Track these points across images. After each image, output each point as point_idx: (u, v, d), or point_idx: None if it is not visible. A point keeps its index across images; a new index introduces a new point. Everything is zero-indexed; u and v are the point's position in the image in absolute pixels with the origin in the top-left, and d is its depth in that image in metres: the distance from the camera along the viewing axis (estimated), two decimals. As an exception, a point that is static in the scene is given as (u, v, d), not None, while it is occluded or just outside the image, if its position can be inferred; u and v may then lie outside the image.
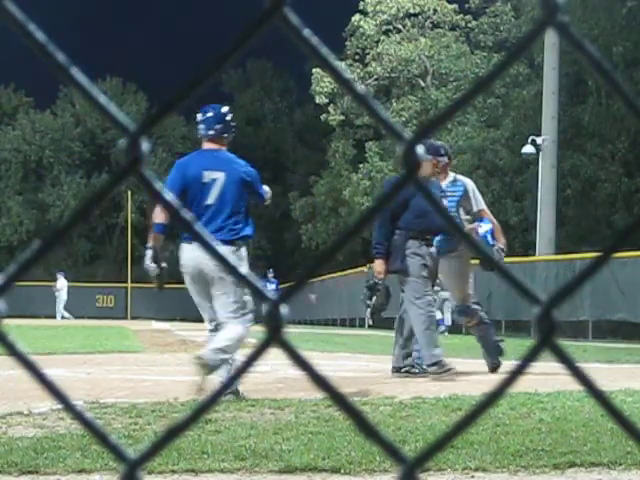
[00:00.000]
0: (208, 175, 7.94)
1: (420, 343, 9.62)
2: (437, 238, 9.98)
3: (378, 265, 9.93)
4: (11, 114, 60.09)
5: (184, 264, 8.00)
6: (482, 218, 10.35)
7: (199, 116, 8.13)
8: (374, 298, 10.24)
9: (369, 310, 10.37)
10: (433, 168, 9.85)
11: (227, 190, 7.93)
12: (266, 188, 8.37)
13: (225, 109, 8.29)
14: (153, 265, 8.06)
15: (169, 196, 0.86)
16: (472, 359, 11.07)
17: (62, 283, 46.29)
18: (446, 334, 32.57)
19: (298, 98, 62.11)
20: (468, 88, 0.88)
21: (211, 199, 7.92)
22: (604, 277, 20.85)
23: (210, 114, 8.11)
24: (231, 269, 0.87)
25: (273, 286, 40.46)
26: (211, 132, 8.07)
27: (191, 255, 7.83)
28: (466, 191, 10.39)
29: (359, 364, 12.29)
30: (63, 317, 44.91)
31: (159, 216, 7.88)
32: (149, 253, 8.11)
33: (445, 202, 10.24)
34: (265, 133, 62.74)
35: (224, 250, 0.87)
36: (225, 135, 8.15)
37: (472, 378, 9.63)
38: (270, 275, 43.56)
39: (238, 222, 8.00)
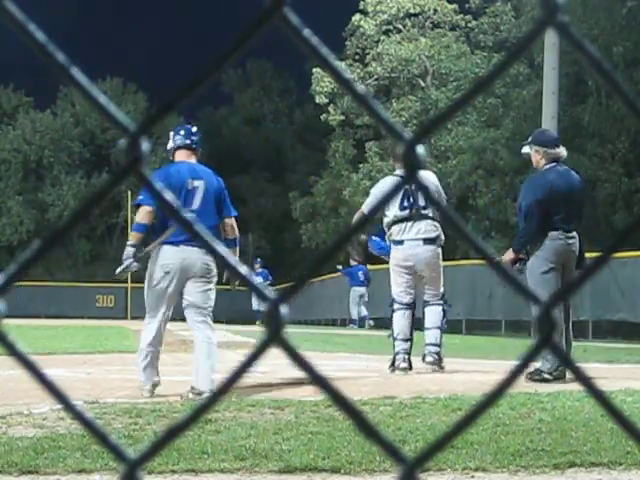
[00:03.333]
0: (191, 183, 8.56)
1: None
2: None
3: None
4: (11, 114, 60.08)
5: (166, 263, 8.45)
6: None
7: (172, 133, 9.00)
8: None
9: None
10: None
11: (208, 197, 8.58)
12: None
13: (195, 129, 9.15)
14: (130, 260, 8.60)
15: (169, 196, 0.86)
16: (472, 359, 11.07)
17: None
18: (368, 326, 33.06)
19: (298, 98, 62.07)
20: (468, 88, 0.88)
21: (195, 204, 8.51)
22: (604, 277, 20.84)
23: (182, 130, 9.00)
24: (232, 268, 0.87)
25: (260, 279, 37.06)
26: (187, 141, 8.81)
27: (178, 255, 8.40)
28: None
29: (359, 364, 12.28)
30: None
31: (143, 218, 8.53)
32: (130, 250, 8.62)
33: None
34: (265, 133, 62.71)
35: (224, 250, 0.87)
36: (196, 148, 8.88)
37: (472, 378, 9.63)
38: (257, 266, 39.05)
39: (218, 226, 8.65)
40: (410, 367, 10.31)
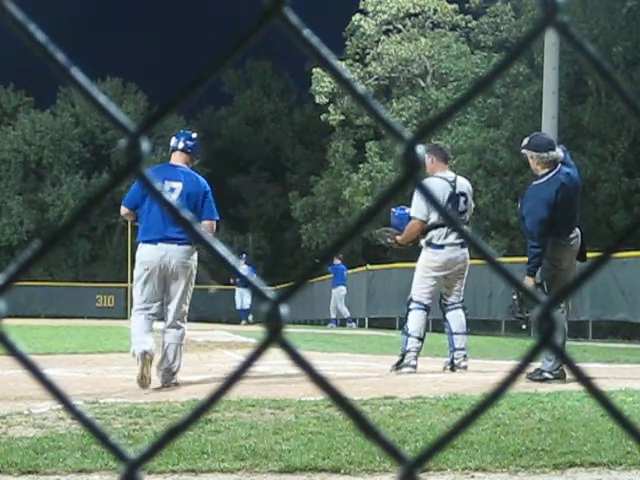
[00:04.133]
0: (168, 184, 8.93)
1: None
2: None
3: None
4: (11, 114, 60.06)
5: (146, 260, 9.09)
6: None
7: (173, 138, 9.45)
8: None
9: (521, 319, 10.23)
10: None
11: (183, 199, 8.89)
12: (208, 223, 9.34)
13: (195, 135, 9.64)
14: None
15: (169, 196, 0.86)
16: (472, 359, 11.08)
17: None
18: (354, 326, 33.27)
19: (298, 98, 62.06)
20: (468, 88, 0.88)
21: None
22: (604, 277, 20.84)
23: (182, 135, 9.52)
24: (231, 268, 0.87)
25: None
26: (181, 145, 9.29)
27: (157, 254, 8.97)
28: None
29: (359, 364, 12.28)
30: None
31: (126, 216, 9.50)
32: None
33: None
34: (265, 133, 62.68)
35: (225, 250, 0.87)
36: (190, 152, 9.31)
37: (472, 378, 9.63)
38: (241, 262, 38.40)
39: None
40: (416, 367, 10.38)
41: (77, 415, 0.87)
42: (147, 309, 9.06)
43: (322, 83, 42.22)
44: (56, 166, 58.48)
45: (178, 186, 8.99)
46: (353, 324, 34.06)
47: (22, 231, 56.37)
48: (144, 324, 8.99)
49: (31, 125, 58.76)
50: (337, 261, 33.20)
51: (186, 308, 9.11)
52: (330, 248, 0.89)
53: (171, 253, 8.92)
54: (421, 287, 10.53)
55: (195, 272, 9.17)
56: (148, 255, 9.03)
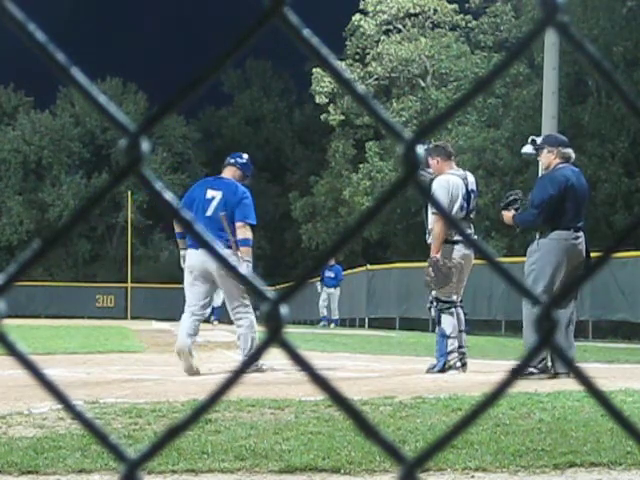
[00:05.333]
0: (210, 192, 10.23)
1: None
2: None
3: None
4: (11, 114, 60.07)
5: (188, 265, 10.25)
6: None
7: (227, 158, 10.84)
8: None
9: None
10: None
11: (223, 204, 10.16)
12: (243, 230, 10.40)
13: (247, 156, 10.88)
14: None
15: (168, 196, 0.86)
16: (472, 359, 11.08)
17: None
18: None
19: (298, 98, 62.06)
20: (468, 88, 0.88)
21: (209, 211, 10.14)
22: (604, 277, 20.84)
23: (235, 155, 10.83)
24: (231, 268, 0.87)
25: None
26: (232, 160, 10.63)
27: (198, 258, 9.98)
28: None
29: (359, 364, 12.28)
30: None
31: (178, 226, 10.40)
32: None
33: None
34: (265, 133, 62.69)
35: (225, 252, 0.88)
36: (239, 168, 10.55)
37: (472, 378, 9.63)
38: None
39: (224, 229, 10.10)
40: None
41: (77, 415, 0.87)
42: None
43: (322, 83, 42.23)
44: (56, 166, 58.49)
45: (218, 194, 10.17)
46: (333, 324, 34.37)
47: (22, 231, 56.40)
48: (188, 322, 10.15)
49: (31, 125, 58.78)
50: (332, 261, 33.35)
51: (236, 303, 10.25)
52: (330, 248, 0.89)
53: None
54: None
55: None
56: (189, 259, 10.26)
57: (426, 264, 10.42)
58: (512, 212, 10.10)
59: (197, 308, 10.17)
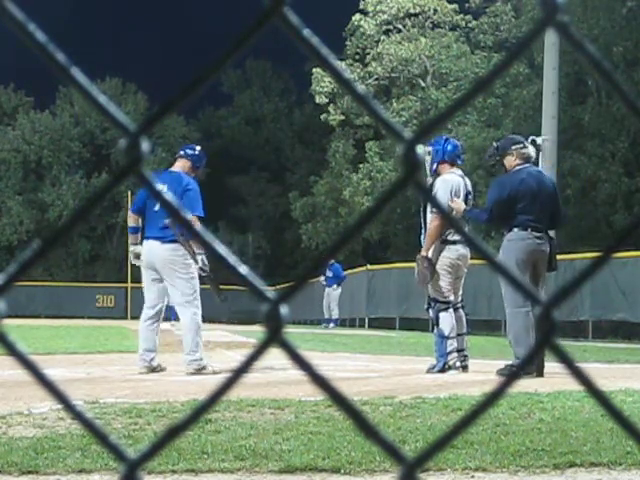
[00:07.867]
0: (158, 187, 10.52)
1: None
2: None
3: None
4: (11, 114, 60.05)
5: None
6: None
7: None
8: None
9: None
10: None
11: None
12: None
13: (199, 147, 10.86)
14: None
15: (168, 196, 0.86)
16: (472, 359, 11.08)
17: None
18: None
19: (298, 98, 62.03)
20: (468, 88, 0.88)
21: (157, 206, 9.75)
22: (604, 277, 20.84)
23: (186, 147, 10.84)
24: (230, 267, 0.87)
25: None
26: (182, 152, 10.59)
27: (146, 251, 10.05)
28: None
29: (359, 364, 12.28)
30: None
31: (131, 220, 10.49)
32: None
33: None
34: (265, 133, 62.68)
35: (224, 250, 0.88)
36: (188, 158, 10.43)
37: (472, 378, 9.64)
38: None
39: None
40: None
41: (77, 415, 0.87)
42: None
43: (322, 83, 42.23)
44: (56, 166, 58.47)
45: (164, 188, 10.05)
46: (332, 324, 34.16)
47: (22, 231, 56.36)
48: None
49: (31, 125, 58.75)
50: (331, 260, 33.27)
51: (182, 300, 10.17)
52: (330, 248, 0.89)
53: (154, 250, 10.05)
54: (442, 284, 10.52)
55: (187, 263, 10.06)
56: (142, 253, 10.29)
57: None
58: (464, 205, 10.19)
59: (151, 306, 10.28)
